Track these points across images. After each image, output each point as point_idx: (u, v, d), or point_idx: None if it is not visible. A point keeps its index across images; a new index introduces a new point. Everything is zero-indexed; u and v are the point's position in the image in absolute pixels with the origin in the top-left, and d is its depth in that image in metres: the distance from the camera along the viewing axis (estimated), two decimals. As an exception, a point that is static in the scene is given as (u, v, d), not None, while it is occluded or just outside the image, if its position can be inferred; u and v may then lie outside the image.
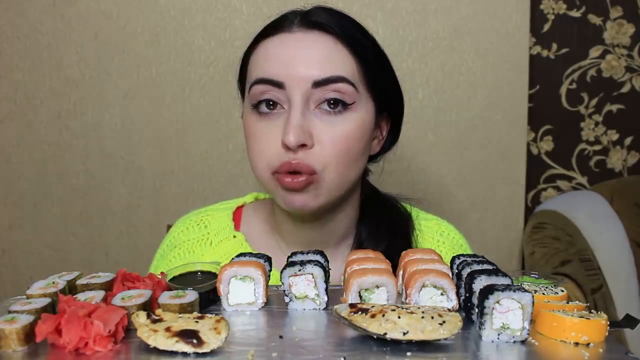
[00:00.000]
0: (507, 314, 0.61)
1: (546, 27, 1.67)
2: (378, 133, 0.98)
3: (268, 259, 0.77)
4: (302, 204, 0.88)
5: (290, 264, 0.71)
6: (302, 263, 0.71)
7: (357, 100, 0.88)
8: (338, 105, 0.87)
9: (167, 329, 0.59)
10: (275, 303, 0.73)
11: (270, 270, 0.77)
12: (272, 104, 0.88)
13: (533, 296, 0.61)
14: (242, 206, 1.10)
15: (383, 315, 0.60)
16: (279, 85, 0.86)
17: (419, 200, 1.11)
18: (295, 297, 0.71)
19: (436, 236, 1.05)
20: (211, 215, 1.07)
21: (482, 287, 0.63)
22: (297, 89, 0.86)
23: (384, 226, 1.00)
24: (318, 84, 0.86)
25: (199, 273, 0.78)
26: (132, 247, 1.68)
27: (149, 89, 1.62)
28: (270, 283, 0.75)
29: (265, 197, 1.11)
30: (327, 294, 0.71)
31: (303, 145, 0.85)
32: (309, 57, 0.87)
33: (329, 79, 0.86)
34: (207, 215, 1.07)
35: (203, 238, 1.04)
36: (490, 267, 0.71)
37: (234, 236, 1.03)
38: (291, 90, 0.86)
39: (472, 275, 0.66)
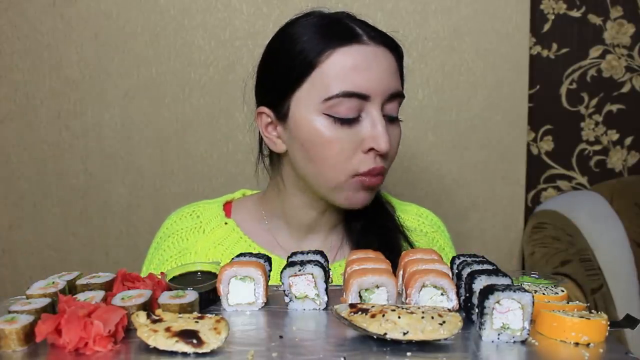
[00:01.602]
0: (507, 314, 0.61)
1: (546, 27, 1.67)
2: None
3: (268, 259, 0.77)
4: (368, 200, 0.98)
5: (290, 264, 0.71)
6: (302, 263, 0.71)
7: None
8: (396, 114, 0.97)
9: (167, 329, 0.59)
10: (275, 303, 0.73)
11: (270, 270, 0.77)
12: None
13: (533, 296, 0.61)
14: (231, 201, 1.13)
15: (383, 316, 0.60)
16: (364, 97, 0.91)
17: (401, 191, 1.19)
18: (295, 297, 0.71)
19: (416, 217, 1.12)
20: (202, 207, 1.10)
21: (482, 287, 0.63)
22: (379, 100, 0.92)
23: (369, 208, 1.03)
24: (392, 96, 0.94)
25: (199, 273, 0.78)
26: (132, 247, 1.68)
27: (149, 89, 1.62)
28: (270, 283, 0.75)
29: (252, 193, 1.14)
30: (327, 294, 0.71)
31: None
32: (386, 71, 0.93)
33: (398, 93, 0.95)
34: (199, 207, 1.10)
35: (196, 226, 1.07)
36: (490, 267, 0.71)
37: (226, 223, 1.06)
38: (374, 101, 0.92)
39: (472, 275, 0.66)
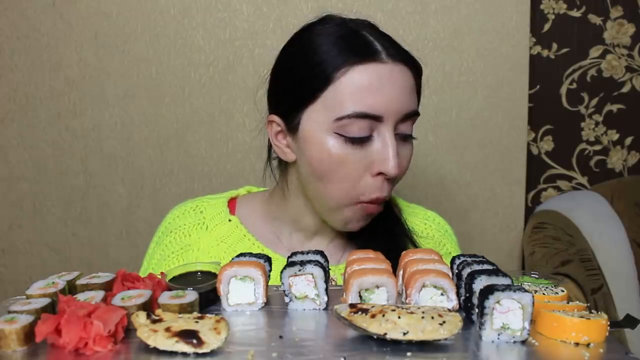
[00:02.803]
0: (508, 314, 0.61)
1: (546, 27, 1.67)
2: None
3: (268, 259, 0.77)
4: (362, 226, 0.97)
5: (290, 264, 0.71)
6: (302, 263, 0.71)
7: None
8: (411, 132, 0.94)
9: (167, 329, 0.59)
10: (275, 303, 0.73)
11: (270, 270, 0.77)
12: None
13: (533, 296, 0.61)
14: (235, 197, 1.12)
15: (383, 316, 0.60)
16: (377, 118, 0.88)
17: (401, 191, 1.16)
18: (295, 297, 0.71)
19: (423, 220, 1.10)
20: (206, 202, 1.09)
21: (482, 287, 0.63)
22: (392, 121, 0.89)
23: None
24: (406, 117, 0.91)
25: (199, 273, 0.78)
26: (132, 247, 1.68)
27: (149, 89, 1.62)
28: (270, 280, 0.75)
29: (258, 190, 1.13)
30: (327, 294, 0.71)
31: None
32: (403, 91, 0.90)
33: (413, 112, 0.93)
34: (203, 202, 1.09)
35: (199, 222, 1.05)
36: (490, 267, 0.71)
37: (229, 220, 1.05)
38: (387, 122, 0.89)
39: (472, 276, 0.66)
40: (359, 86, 0.87)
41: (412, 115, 0.92)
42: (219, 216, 1.06)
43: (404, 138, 0.93)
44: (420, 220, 1.10)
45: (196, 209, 1.07)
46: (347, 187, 0.90)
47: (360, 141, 0.88)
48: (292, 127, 0.93)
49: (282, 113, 0.95)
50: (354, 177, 0.90)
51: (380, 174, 0.89)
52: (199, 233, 1.04)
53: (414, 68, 0.94)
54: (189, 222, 1.06)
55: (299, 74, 0.92)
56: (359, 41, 0.90)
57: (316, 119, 0.90)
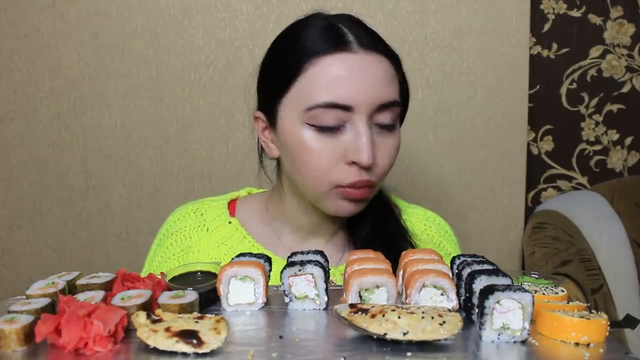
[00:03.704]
0: (508, 314, 0.61)
1: (546, 27, 1.67)
2: None
3: (268, 259, 0.77)
4: (355, 211, 0.95)
5: (290, 264, 0.71)
6: (302, 263, 0.71)
7: (398, 116, 0.96)
8: (391, 122, 0.93)
9: (167, 329, 0.59)
10: (275, 303, 0.73)
11: (270, 270, 0.77)
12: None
13: (533, 296, 0.61)
14: (236, 199, 1.12)
15: (383, 316, 0.60)
16: (347, 108, 0.88)
17: (401, 191, 1.17)
18: (295, 297, 0.71)
19: (423, 220, 1.10)
20: (207, 204, 1.09)
21: (482, 287, 0.63)
22: (364, 111, 0.89)
23: (371, 209, 1.03)
24: (382, 107, 0.90)
25: (199, 273, 0.78)
26: (132, 247, 1.68)
27: (149, 89, 1.62)
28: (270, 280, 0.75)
29: (258, 191, 1.14)
30: (327, 294, 0.71)
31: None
32: (375, 81, 0.89)
33: (390, 102, 0.91)
34: (203, 205, 1.09)
35: (199, 225, 1.06)
36: (490, 267, 0.71)
37: (230, 222, 1.06)
38: (359, 112, 0.89)
39: (472, 276, 0.66)
40: (328, 76, 0.88)
41: (389, 106, 0.91)
42: (219, 218, 1.06)
43: (384, 128, 0.92)
44: (420, 221, 1.10)
45: (197, 211, 1.08)
46: (322, 175, 0.91)
47: (332, 131, 0.89)
48: (273, 121, 0.95)
49: (265, 108, 0.97)
50: (328, 166, 0.90)
51: (354, 163, 0.89)
52: (199, 235, 1.05)
53: (392, 58, 0.93)
54: (189, 225, 1.06)
55: (276, 67, 0.95)
56: (331, 33, 0.91)
57: (290, 110, 0.91)
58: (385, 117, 0.91)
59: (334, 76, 0.88)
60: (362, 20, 0.96)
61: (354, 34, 0.91)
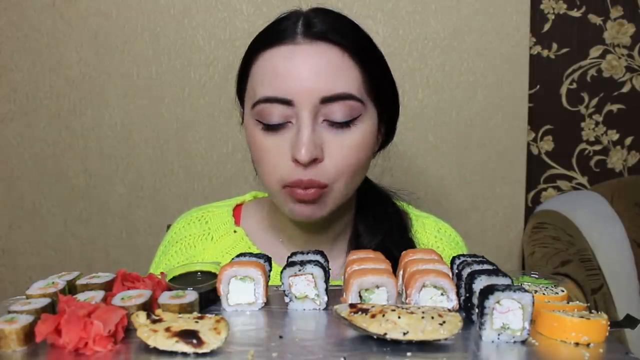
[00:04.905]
0: (508, 314, 0.61)
1: (546, 27, 1.67)
2: (377, 134, 0.99)
3: (268, 259, 0.77)
4: (310, 214, 0.90)
5: (290, 264, 0.71)
6: (302, 263, 0.70)
7: (363, 113, 0.88)
8: (345, 119, 0.87)
9: (167, 329, 0.59)
10: (275, 303, 0.73)
11: (270, 270, 0.77)
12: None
13: (533, 296, 0.61)
14: (241, 204, 1.11)
15: (383, 316, 0.60)
16: (287, 102, 0.85)
17: (417, 197, 1.13)
18: (295, 297, 0.71)
19: (434, 232, 1.07)
20: (212, 211, 1.08)
21: (482, 287, 0.63)
22: (305, 105, 0.85)
23: (379, 218, 1.02)
24: (326, 100, 0.85)
25: (199, 273, 0.78)
26: (132, 247, 1.68)
27: (149, 89, 1.62)
28: (270, 281, 0.75)
29: (264, 195, 1.13)
30: (327, 294, 0.71)
31: (314, 160, 0.86)
32: (317, 73, 0.85)
33: (337, 95, 0.85)
34: (208, 212, 1.08)
35: (204, 233, 1.05)
36: (490, 267, 0.71)
37: (235, 231, 1.04)
38: (300, 107, 0.85)
39: (472, 276, 0.66)
40: (268, 70, 0.87)
41: (336, 99, 0.85)
42: (224, 226, 1.05)
43: (336, 125, 0.86)
44: (431, 232, 1.07)
45: (201, 218, 1.07)
46: (270, 173, 0.89)
47: (276, 128, 0.87)
48: (242, 119, 0.96)
49: (240, 105, 0.98)
50: (274, 163, 0.88)
51: (296, 160, 0.85)
52: (204, 244, 1.04)
53: (350, 47, 0.86)
54: (194, 233, 1.05)
55: (240, 65, 0.95)
56: (278, 26, 0.89)
57: (246, 108, 0.93)
58: (336, 112, 0.85)
59: (272, 69, 0.86)
60: (337, 12, 0.92)
61: (306, 24, 0.87)
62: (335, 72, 0.85)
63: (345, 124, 0.87)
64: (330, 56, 0.86)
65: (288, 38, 0.87)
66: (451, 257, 1.03)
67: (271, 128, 0.87)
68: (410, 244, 1.01)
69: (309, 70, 0.85)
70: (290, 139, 0.86)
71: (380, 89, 0.92)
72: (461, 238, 1.11)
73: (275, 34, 0.89)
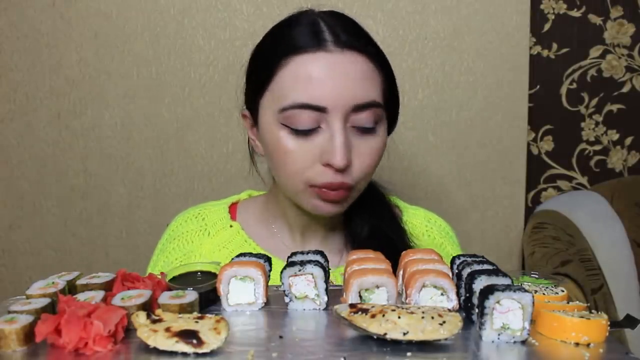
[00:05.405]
0: (508, 314, 0.61)
1: (546, 27, 1.67)
2: None
3: (268, 259, 0.77)
4: (333, 211, 0.94)
5: (290, 264, 0.71)
6: (302, 263, 0.71)
7: (383, 117, 0.93)
8: (371, 125, 0.90)
9: (167, 329, 0.59)
10: (275, 303, 0.73)
11: (270, 270, 0.77)
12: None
13: (533, 296, 0.61)
14: (237, 202, 1.13)
15: (383, 316, 0.60)
16: (321, 109, 0.87)
17: (417, 197, 1.14)
18: (295, 297, 0.71)
19: (424, 222, 1.10)
20: (208, 209, 1.10)
21: (482, 287, 0.63)
22: (339, 112, 0.87)
23: (368, 204, 1.03)
24: (358, 108, 0.88)
25: (199, 273, 0.78)
26: (132, 247, 1.68)
27: (149, 89, 1.62)
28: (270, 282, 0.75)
29: (259, 193, 1.14)
30: (327, 294, 0.71)
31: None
32: (350, 81, 0.87)
33: (368, 104, 0.88)
34: (205, 209, 1.10)
35: (201, 229, 1.07)
36: (490, 267, 0.71)
37: (231, 226, 1.06)
38: (333, 114, 0.87)
39: (472, 276, 0.66)
40: (301, 76, 0.87)
41: (366, 107, 0.88)
42: (220, 222, 1.07)
43: (363, 131, 0.90)
44: (422, 222, 1.10)
45: (198, 216, 1.09)
46: (296, 175, 0.90)
47: (306, 133, 0.88)
48: (256, 120, 0.96)
49: (249, 106, 0.98)
50: (302, 167, 0.89)
51: (329, 165, 0.88)
52: (201, 239, 1.06)
53: (374, 57, 0.90)
54: (191, 229, 1.07)
55: (256, 65, 0.95)
56: (307, 30, 0.89)
57: (267, 110, 0.91)
58: (363, 119, 0.89)
59: (307, 76, 0.86)
60: (350, 17, 0.94)
61: (332, 32, 0.88)
62: (365, 80, 0.89)
63: (372, 129, 0.91)
64: (361, 65, 0.89)
65: (320, 45, 0.87)
66: (444, 249, 1.07)
67: (301, 133, 0.88)
68: (401, 231, 1.04)
69: (344, 79, 0.87)
70: (321, 143, 0.88)
71: (393, 95, 0.97)
72: (451, 228, 1.13)
73: (304, 39, 0.88)
